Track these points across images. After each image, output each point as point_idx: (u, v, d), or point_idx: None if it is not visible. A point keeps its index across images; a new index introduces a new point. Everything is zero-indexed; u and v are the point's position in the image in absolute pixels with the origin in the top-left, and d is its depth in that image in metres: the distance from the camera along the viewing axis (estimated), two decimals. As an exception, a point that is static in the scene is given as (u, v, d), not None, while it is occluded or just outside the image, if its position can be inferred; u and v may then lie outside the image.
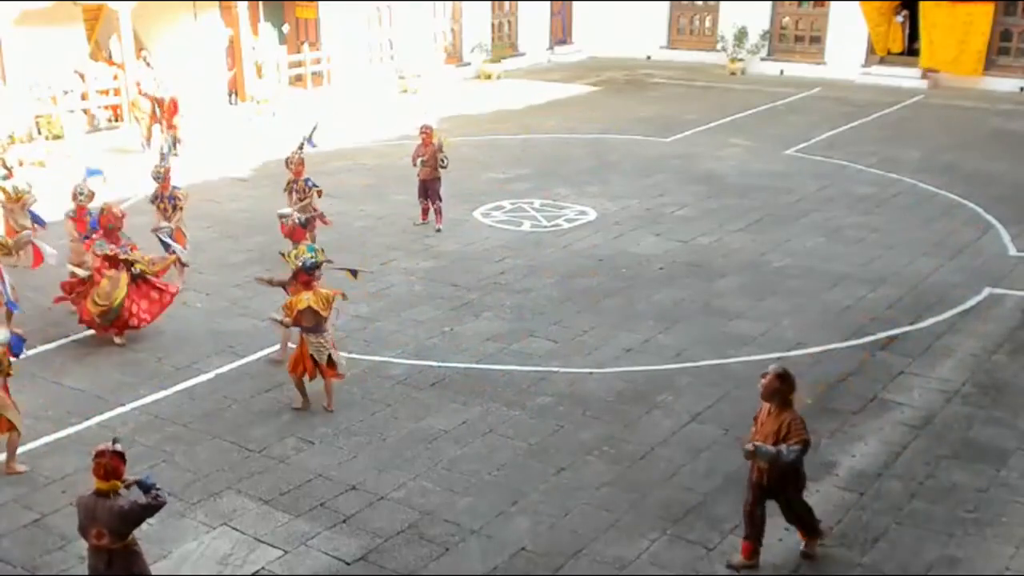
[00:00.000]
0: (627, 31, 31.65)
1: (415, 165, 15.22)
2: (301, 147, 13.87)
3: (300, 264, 9.76)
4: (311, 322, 9.62)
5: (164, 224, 12.69)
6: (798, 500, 7.44)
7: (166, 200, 13.10)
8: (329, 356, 9.70)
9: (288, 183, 13.72)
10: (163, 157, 13.87)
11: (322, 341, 9.66)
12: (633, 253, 14.40)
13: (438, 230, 15.18)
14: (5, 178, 13.65)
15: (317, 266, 9.78)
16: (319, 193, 13.60)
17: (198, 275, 13.41)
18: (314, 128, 14.62)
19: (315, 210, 13.57)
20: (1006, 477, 8.72)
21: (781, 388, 7.15)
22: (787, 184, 17.93)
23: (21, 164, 14.22)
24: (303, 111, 23.70)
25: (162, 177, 13.11)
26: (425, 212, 15.42)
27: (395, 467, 8.89)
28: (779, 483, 7.25)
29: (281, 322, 9.87)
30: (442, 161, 15.04)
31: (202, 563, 7.63)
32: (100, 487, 6.30)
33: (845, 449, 9.17)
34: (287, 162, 13.70)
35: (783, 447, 6.99)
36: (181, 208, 13.15)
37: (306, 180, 13.50)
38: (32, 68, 19.86)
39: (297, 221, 11.31)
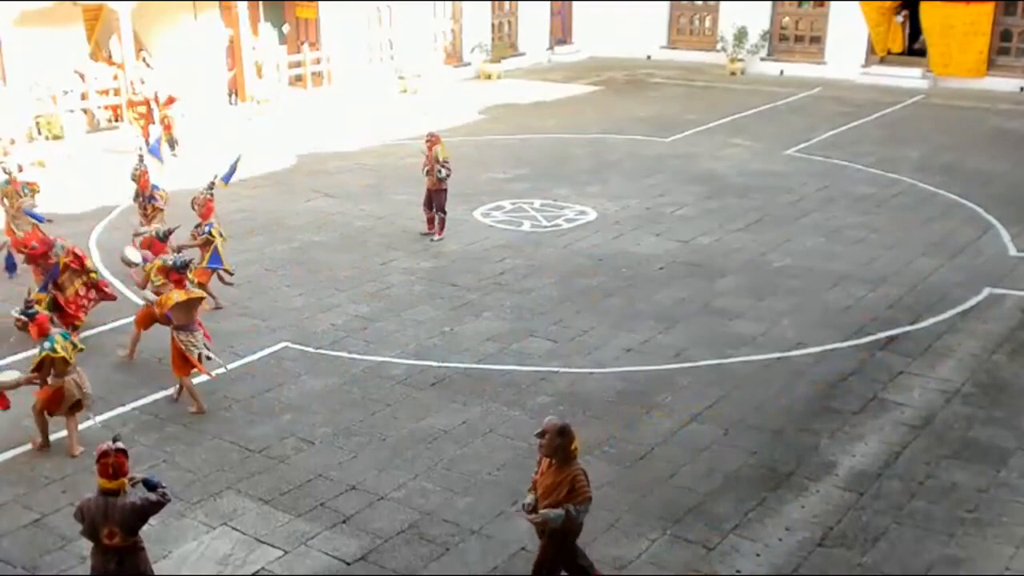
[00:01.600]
0: (627, 31, 31.64)
1: (423, 174, 14.83)
2: (211, 186, 12.61)
3: (171, 263, 10.10)
4: (181, 320, 9.84)
5: (143, 229, 12.62)
6: (566, 550, 6.92)
7: (145, 199, 13.12)
8: (199, 355, 9.87)
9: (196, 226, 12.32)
10: (140, 159, 13.76)
11: (192, 340, 9.81)
12: (633, 253, 14.40)
13: (432, 240, 14.78)
14: (7, 182, 13.62)
15: (187, 265, 10.09)
16: (207, 241, 12.03)
17: (198, 275, 13.42)
18: (237, 160, 13.56)
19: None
20: (1006, 477, 8.72)
21: (563, 443, 6.64)
22: (787, 184, 17.93)
23: (21, 169, 14.13)
24: (303, 111, 23.76)
25: (138, 178, 13.16)
26: (431, 222, 14.96)
27: (395, 467, 8.90)
28: (552, 534, 6.74)
29: (146, 298, 10.41)
30: (438, 172, 14.50)
31: (202, 563, 7.63)
32: (107, 486, 6.32)
33: (845, 449, 9.17)
34: (192, 203, 12.41)
35: (570, 507, 6.50)
36: (161, 209, 13.10)
37: (208, 225, 12.10)
38: (32, 68, 19.86)
39: (156, 234, 10.98)
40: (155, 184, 13.44)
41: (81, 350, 9.28)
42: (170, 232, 11.25)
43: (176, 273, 9.98)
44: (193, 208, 12.42)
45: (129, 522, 6.34)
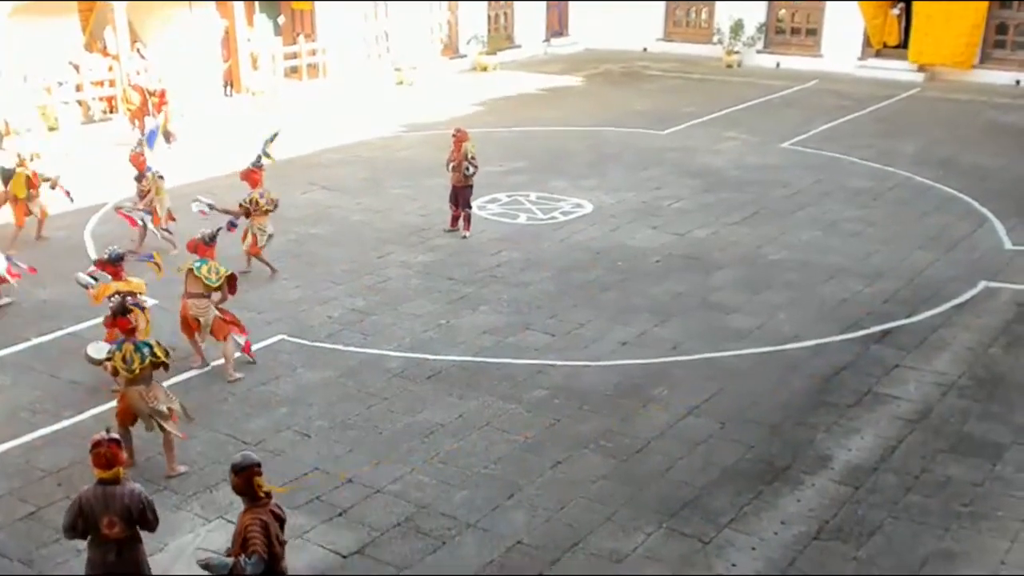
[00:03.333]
0: (623, 23, 31.59)
1: (447, 169, 14.75)
2: (258, 159, 13.30)
3: (105, 256, 10.30)
4: None
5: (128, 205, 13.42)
6: None
7: (144, 180, 13.73)
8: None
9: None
10: (140, 143, 14.24)
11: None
12: (629, 246, 14.40)
13: (464, 237, 14.70)
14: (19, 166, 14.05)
15: (121, 258, 10.28)
16: (247, 211, 12.82)
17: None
18: (274, 135, 13.95)
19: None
20: (1001, 471, 8.75)
21: (235, 482, 6.06)
22: (783, 177, 17.93)
23: (31, 158, 14.36)
24: (299, 103, 23.69)
25: (132, 159, 13.83)
26: (455, 219, 14.86)
27: (391, 460, 8.90)
28: None
29: (85, 286, 10.34)
30: (466, 169, 14.40)
31: (198, 555, 7.61)
32: (104, 476, 6.32)
33: (841, 443, 9.19)
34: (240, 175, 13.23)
35: (243, 559, 5.92)
36: (148, 190, 13.67)
37: (259, 193, 12.85)
38: (27, 59, 19.78)
39: (202, 239, 10.50)
40: (149, 167, 13.90)
41: (161, 364, 8.68)
42: (215, 236, 10.85)
43: (111, 265, 10.15)
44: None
45: (129, 510, 6.32)
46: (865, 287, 12.86)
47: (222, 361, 10.58)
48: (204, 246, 10.70)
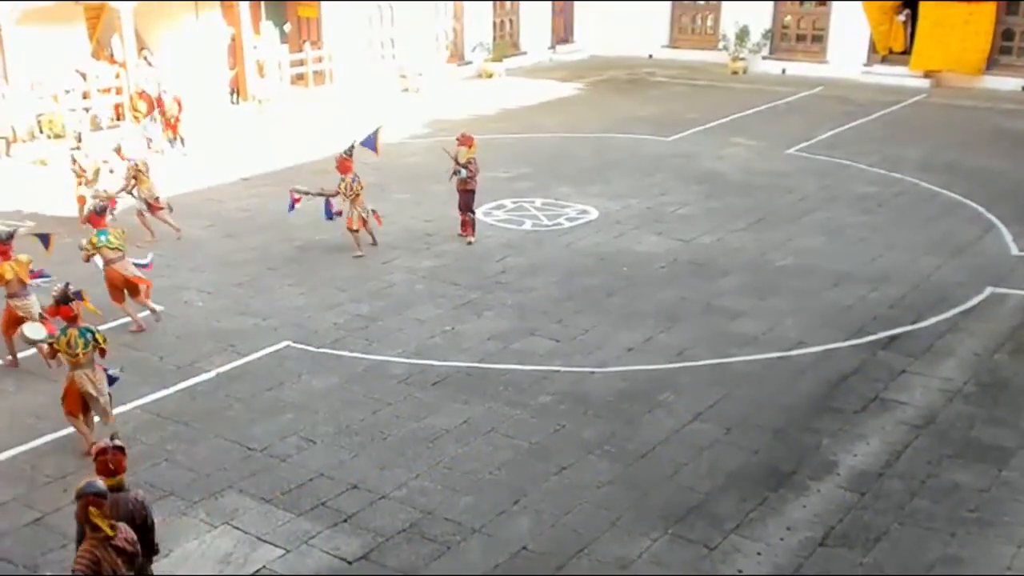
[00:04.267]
0: (629, 30, 31.63)
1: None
2: (351, 148, 14.35)
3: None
4: (14, 288, 10.60)
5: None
6: None
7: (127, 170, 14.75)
8: (40, 314, 10.41)
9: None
10: (149, 141, 15.25)
11: (28, 303, 10.58)
12: (634, 252, 14.39)
13: (469, 243, 14.69)
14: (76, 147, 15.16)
15: (11, 236, 10.80)
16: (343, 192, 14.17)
17: (199, 274, 13.44)
18: (378, 129, 15.08)
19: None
20: (1008, 476, 8.71)
21: (76, 508, 5.80)
22: (789, 183, 17.92)
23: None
24: (305, 110, 23.74)
25: (116, 153, 15.28)
26: (463, 224, 14.83)
27: (396, 466, 8.89)
28: None
29: None
30: (457, 173, 14.37)
31: (203, 562, 7.63)
32: (107, 483, 6.30)
33: (847, 448, 9.16)
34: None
35: None
36: (126, 178, 14.69)
37: (352, 178, 14.08)
38: (34, 67, 19.86)
39: (94, 209, 11.98)
40: (129, 158, 14.94)
41: (99, 350, 9.12)
42: (105, 208, 12.13)
43: (2, 244, 10.57)
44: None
45: (133, 516, 6.29)
46: (871, 293, 12.83)
47: (225, 368, 10.60)
48: (97, 216, 11.81)
